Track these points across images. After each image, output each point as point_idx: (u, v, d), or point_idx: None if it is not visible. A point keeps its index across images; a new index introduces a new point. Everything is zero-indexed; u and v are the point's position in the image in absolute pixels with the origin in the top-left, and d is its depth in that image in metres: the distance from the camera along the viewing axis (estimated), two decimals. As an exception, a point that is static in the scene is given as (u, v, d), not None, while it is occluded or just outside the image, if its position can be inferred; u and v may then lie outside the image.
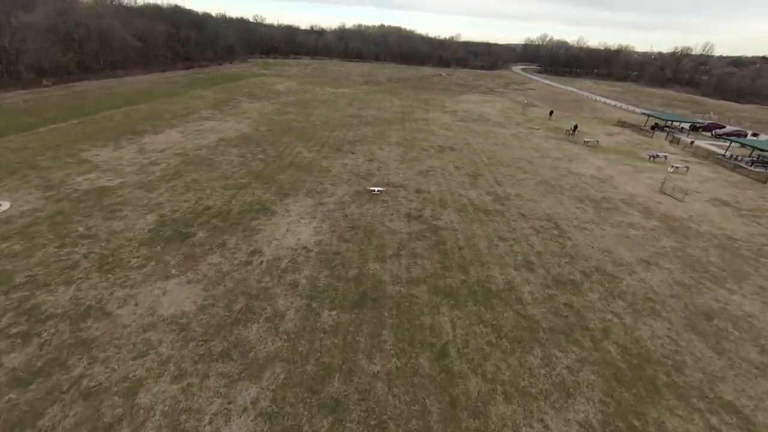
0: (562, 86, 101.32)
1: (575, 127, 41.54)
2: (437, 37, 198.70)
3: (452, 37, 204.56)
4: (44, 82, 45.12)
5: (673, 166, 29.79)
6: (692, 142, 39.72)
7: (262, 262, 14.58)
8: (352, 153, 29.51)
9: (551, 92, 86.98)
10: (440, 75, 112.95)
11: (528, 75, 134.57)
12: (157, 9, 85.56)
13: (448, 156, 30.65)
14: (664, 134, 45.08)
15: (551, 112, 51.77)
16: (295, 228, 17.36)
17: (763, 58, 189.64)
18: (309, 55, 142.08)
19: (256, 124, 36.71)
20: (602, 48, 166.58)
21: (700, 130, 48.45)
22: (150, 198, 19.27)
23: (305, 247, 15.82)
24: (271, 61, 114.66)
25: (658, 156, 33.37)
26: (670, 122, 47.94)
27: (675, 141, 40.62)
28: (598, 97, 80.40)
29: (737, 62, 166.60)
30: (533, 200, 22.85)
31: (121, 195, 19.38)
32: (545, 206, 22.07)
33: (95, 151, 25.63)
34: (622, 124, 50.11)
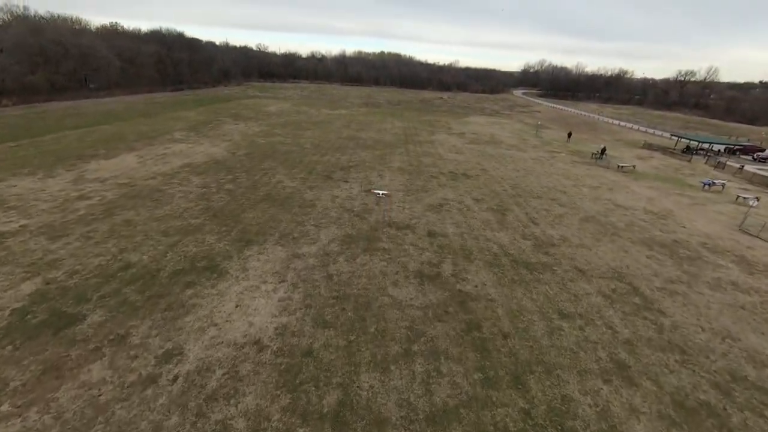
0: (569, 108, 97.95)
1: (603, 150, 36.33)
2: (436, 63, 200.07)
3: (451, 64, 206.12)
4: (4, 101, 40.37)
5: (742, 197, 24.14)
6: (742, 167, 34.33)
7: (176, 378, 8.49)
8: (346, 182, 23.92)
9: (559, 114, 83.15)
10: (441, 98, 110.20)
11: (530, 98, 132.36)
12: (153, 32, 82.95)
13: (464, 185, 25.04)
14: (701, 158, 39.88)
15: (569, 134, 46.89)
16: (249, 302, 11.36)
17: (761, 83, 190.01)
18: (308, 80, 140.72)
19: (234, 147, 31.43)
20: (603, 73, 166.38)
21: (738, 153, 43.33)
22: (48, 251, 13.38)
23: (258, 342, 9.77)
24: (268, 84, 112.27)
25: (714, 184, 27.83)
26: (707, 145, 42.89)
27: (720, 166, 35.26)
28: (608, 119, 76.35)
29: (734, 87, 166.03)
30: (585, 246, 16.96)
31: (7, 246, 13.50)
32: (605, 255, 16.15)
33: (14, 182, 20.00)
34: (649, 146, 45.08)
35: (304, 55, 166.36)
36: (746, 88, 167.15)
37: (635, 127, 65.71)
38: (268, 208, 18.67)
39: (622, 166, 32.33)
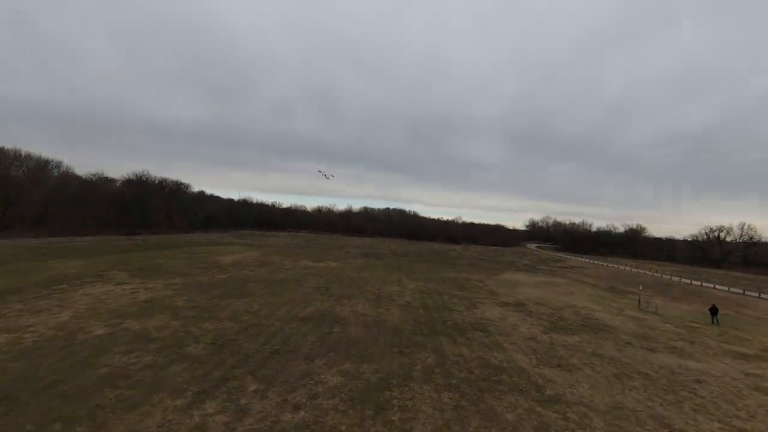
0: (609, 264, 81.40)
1: None
2: (440, 219, 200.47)
3: (454, 220, 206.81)
4: None
5: None
6: None
7: None
8: None
9: (614, 272, 65.44)
10: (454, 250, 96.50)
11: (551, 252, 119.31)
12: (132, 178, 75.22)
13: None
14: None
15: (714, 311, 26.77)
16: None
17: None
18: (308, 229, 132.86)
19: (-29, 357, 11.47)
20: (612, 229, 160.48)
21: None
22: None
23: None
24: (259, 232, 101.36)
25: None
26: None
27: None
28: (677, 278, 57.78)
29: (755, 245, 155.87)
30: None
31: None
32: None
33: None
34: None
35: (309, 209, 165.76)
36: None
37: (744, 292, 46.13)
38: None
39: None
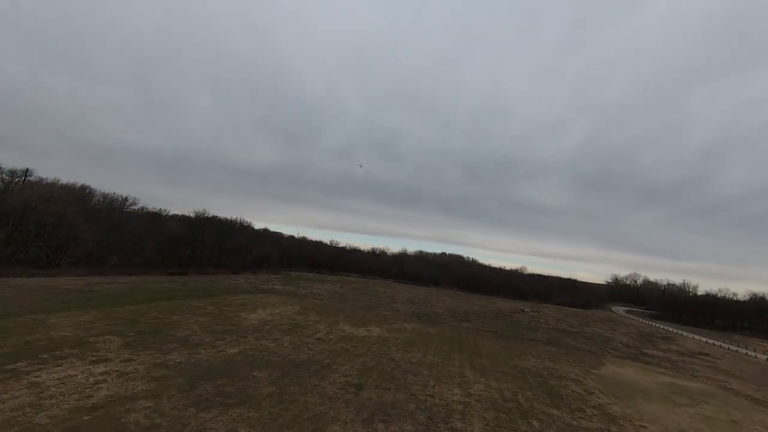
0: (747, 351, 60.81)
1: None
2: (503, 268, 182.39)
3: (518, 270, 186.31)
4: None
5: None
6: None
7: None
8: None
9: (765, 367, 47.18)
10: (523, 311, 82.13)
11: (650, 322, 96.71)
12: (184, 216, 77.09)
13: None
14: None
15: None
16: None
17: None
18: (359, 273, 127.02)
19: None
20: (728, 296, 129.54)
21: None
22: None
23: None
24: (309, 275, 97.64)
25: None
26: None
27: None
28: None
29: None
30: None
31: None
32: None
33: None
34: None
35: (363, 249, 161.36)
36: None
37: None
38: None
39: None
